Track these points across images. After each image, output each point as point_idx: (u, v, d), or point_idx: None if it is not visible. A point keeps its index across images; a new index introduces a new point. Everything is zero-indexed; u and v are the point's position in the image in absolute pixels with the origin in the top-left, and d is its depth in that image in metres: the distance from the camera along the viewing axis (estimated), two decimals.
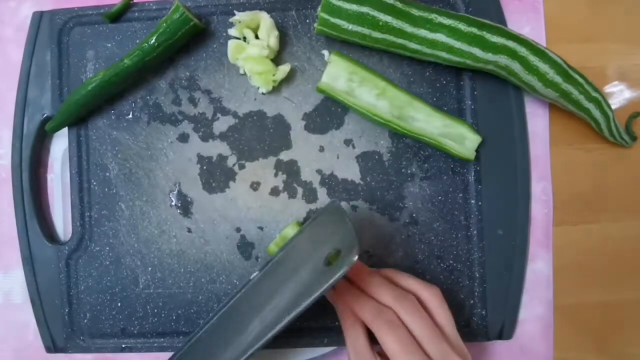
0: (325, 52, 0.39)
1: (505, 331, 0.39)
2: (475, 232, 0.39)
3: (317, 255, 0.30)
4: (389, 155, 0.39)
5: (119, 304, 0.40)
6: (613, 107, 0.37)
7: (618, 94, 0.40)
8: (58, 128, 0.40)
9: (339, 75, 0.37)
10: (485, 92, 0.39)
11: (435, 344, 0.30)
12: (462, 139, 0.37)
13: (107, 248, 0.40)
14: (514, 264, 0.38)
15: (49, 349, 0.40)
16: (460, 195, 0.39)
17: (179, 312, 0.39)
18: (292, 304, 0.29)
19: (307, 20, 0.40)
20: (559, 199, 0.39)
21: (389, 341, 0.30)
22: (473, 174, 0.39)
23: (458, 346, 0.31)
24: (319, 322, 0.39)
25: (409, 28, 0.34)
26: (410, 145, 0.39)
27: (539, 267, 0.39)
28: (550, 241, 0.39)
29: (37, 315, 0.40)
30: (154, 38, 0.36)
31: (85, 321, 0.40)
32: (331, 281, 0.27)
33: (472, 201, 0.39)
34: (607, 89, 0.40)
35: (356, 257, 0.28)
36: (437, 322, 0.31)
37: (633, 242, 0.39)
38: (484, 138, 0.38)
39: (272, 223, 0.39)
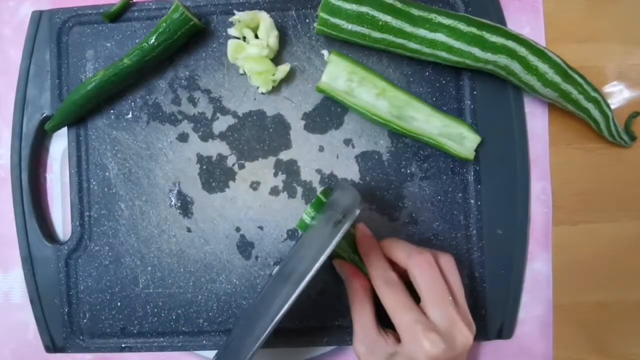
0: (325, 52, 0.38)
1: (504, 331, 0.38)
2: (474, 231, 0.38)
3: (329, 224, 0.30)
4: (388, 155, 0.39)
5: (119, 304, 0.39)
6: (612, 107, 0.37)
7: (617, 94, 0.39)
8: (57, 128, 0.39)
9: (338, 74, 0.36)
10: (484, 92, 0.38)
11: (440, 304, 0.30)
12: (461, 139, 0.37)
13: (107, 248, 0.39)
14: (513, 264, 0.38)
15: (48, 349, 0.39)
16: (460, 195, 0.39)
17: (179, 311, 0.39)
18: (309, 267, 0.29)
19: (307, 20, 0.39)
20: (558, 199, 0.39)
21: (386, 298, 0.30)
22: (472, 173, 0.38)
23: (465, 314, 0.31)
24: (318, 321, 0.38)
25: (408, 28, 0.34)
26: (410, 145, 0.38)
27: (538, 266, 0.38)
28: (549, 241, 0.38)
29: (36, 315, 0.39)
30: (154, 38, 0.36)
31: (84, 321, 0.39)
32: (339, 235, 0.28)
33: (472, 201, 0.38)
34: (606, 88, 0.39)
35: (358, 210, 0.28)
36: (448, 286, 0.31)
37: (632, 242, 0.39)
38: (483, 138, 0.38)
39: (271, 223, 0.39)
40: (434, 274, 0.31)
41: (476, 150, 0.38)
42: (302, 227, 0.34)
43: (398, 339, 0.31)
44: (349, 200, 0.31)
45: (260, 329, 0.30)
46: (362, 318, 0.32)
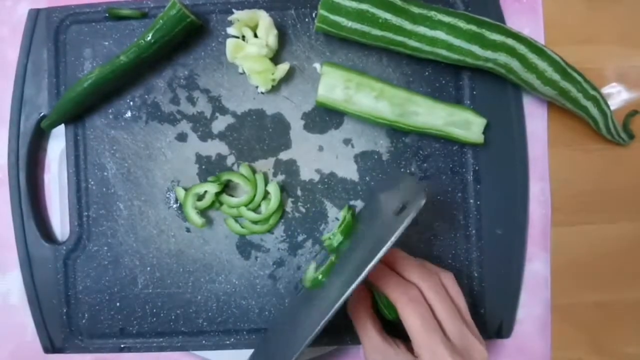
0: (317, 65, 0.36)
1: (503, 330, 0.37)
2: (474, 231, 0.37)
3: (387, 212, 0.29)
4: (388, 155, 0.37)
5: (118, 304, 0.37)
6: (611, 108, 0.36)
7: (616, 95, 0.38)
8: (54, 125, 0.37)
9: (334, 84, 0.35)
10: (484, 92, 0.37)
11: (455, 324, 0.29)
12: (468, 125, 0.36)
13: (106, 248, 0.38)
14: (512, 264, 0.37)
15: (47, 350, 0.38)
16: (459, 195, 0.37)
17: (178, 312, 0.37)
18: (368, 258, 0.28)
19: (306, 19, 0.37)
20: (557, 200, 0.38)
21: (411, 317, 0.29)
22: (472, 173, 0.37)
23: (473, 329, 0.31)
24: None
25: (408, 25, 0.33)
26: (410, 145, 0.37)
27: (537, 267, 0.37)
28: (548, 241, 0.37)
29: (34, 316, 0.38)
30: (151, 34, 0.34)
31: (83, 321, 0.38)
32: (403, 225, 0.27)
33: (471, 201, 0.37)
34: (606, 90, 0.38)
35: (424, 200, 0.27)
36: (455, 304, 0.31)
37: (630, 242, 0.38)
38: (484, 138, 0.36)
39: None
40: (444, 295, 0.30)
41: (477, 148, 0.36)
42: (331, 250, 0.34)
43: (409, 349, 0.30)
44: (407, 189, 0.29)
45: (313, 323, 0.29)
46: (367, 330, 0.31)
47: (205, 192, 0.36)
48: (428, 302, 0.30)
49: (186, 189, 0.37)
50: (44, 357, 0.38)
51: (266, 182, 0.37)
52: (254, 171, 0.37)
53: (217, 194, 0.37)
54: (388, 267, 0.32)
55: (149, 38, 0.35)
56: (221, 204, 0.37)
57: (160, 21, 0.34)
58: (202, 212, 0.37)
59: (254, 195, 0.36)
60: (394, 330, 0.31)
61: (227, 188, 0.38)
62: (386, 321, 0.32)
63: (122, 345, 0.38)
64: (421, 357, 0.29)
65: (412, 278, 0.31)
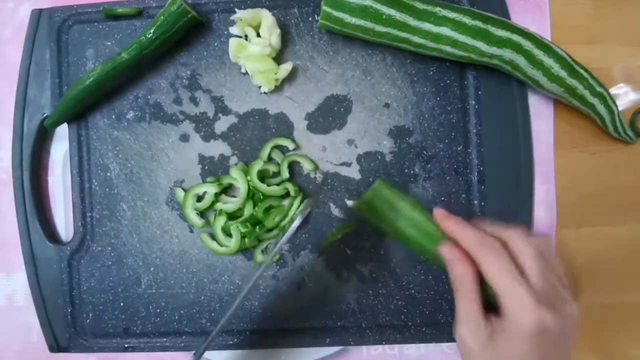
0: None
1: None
2: None
3: None
4: (391, 155, 0.36)
5: (122, 304, 0.36)
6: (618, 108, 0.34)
7: (623, 96, 0.37)
8: (57, 124, 0.37)
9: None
10: (489, 92, 0.36)
11: (543, 274, 0.26)
12: None
13: (109, 248, 0.37)
14: None
15: (52, 349, 0.38)
16: (464, 196, 0.36)
17: (182, 312, 0.36)
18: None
19: (310, 19, 0.36)
20: (562, 201, 0.37)
21: (489, 264, 0.26)
22: (476, 174, 0.35)
23: (566, 286, 0.27)
24: (321, 322, 0.36)
25: (412, 21, 0.32)
26: (413, 146, 0.36)
27: None
28: (553, 243, 0.36)
29: (40, 316, 0.38)
30: (152, 31, 0.34)
31: (87, 321, 0.37)
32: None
33: (475, 202, 0.36)
34: (613, 90, 0.37)
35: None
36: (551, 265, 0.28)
37: (636, 244, 0.37)
38: (487, 139, 0.36)
39: None
40: (535, 245, 0.27)
41: (482, 149, 0.35)
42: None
43: (496, 316, 0.27)
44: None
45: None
46: (468, 302, 0.28)
47: (205, 192, 0.35)
48: (516, 253, 0.27)
49: (187, 190, 0.36)
50: (50, 356, 0.38)
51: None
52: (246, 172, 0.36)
53: (217, 195, 0.35)
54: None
55: (150, 34, 0.34)
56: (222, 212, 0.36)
57: (162, 17, 0.34)
58: (202, 213, 0.36)
59: (246, 198, 0.35)
60: None
61: (227, 189, 0.36)
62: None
63: (125, 345, 0.37)
64: (506, 309, 0.26)
65: (496, 231, 0.28)
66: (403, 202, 0.30)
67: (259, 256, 0.36)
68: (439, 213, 0.30)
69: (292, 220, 0.32)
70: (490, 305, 0.27)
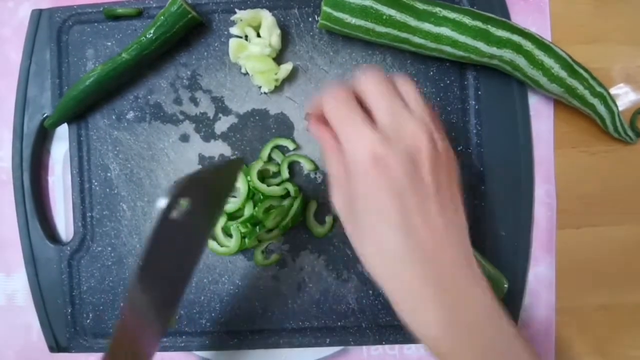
0: None
1: None
2: (477, 233, 0.35)
3: None
4: None
5: (122, 304, 0.36)
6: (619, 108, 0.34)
7: (623, 96, 0.36)
8: (57, 124, 0.37)
9: None
10: (489, 92, 0.36)
11: (389, 106, 0.24)
12: None
13: (109, 248, 0.36)
14: (516, 266, 0.36)
15: (52, 349, 0.37)
16: (464, 196, 0.35)
17: (182, 312, 0.37)
18: None
19: (310, 19, 0.36)
20: (562, 202, 0.37)
21: (327, 106, 0.25)
22: (476, 174, 0.35)
23: (421, 116, 0.25)
24: (321, 322, 0.36)
25: (412, 22, 0.32)
26: None
27: (542, 269, 0.36)
28: (553, 244, 0.36)
29: (40, 316, 0.38)
30: (152, 31, 0.33)
31: (87, 321, 0.37)
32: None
33: (475, 202, 0.35)
34: (613, 91, 0.37)
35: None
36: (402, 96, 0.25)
37: (636, 245, 0.37)
38: (487, 139, 0.35)
39: None
40: (382, 81, 0.25)
41: (482, 149, 0.35)
42: None
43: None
44: None
45: None
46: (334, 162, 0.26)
47: None
48: (364, 96, 0.25)
49: None
50: (50, 356, 0.38)
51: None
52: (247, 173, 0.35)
53: None
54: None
55: (150, 35, 0.34)
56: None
57: (162, 17, 0.34)
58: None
59: (246, 197, 0.35)
60: None
61: None
62: None
63: None
64: (342, 139, 0.24)
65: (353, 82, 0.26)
66: None
67: (259, 256, 0.36)
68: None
69: None
70: None
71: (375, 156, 0.23)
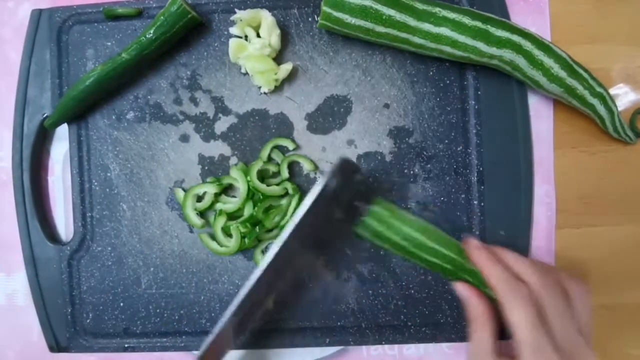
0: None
1: (506, 331, 0.35)
2: (477, 232, 0.36)
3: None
4: (391, 156, 0.35)
5: (122, 304, 0.36)
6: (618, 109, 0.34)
7: (623, 96, 0.36)
8: (57, 124, 0.37)
9: None
10: (489, 92, 0.36)
11: (564, 325, 0.27)
12: None
13: (109, 248, 0.36)
14: None
15: (52, 349, 0.37)
16: (463, 196, 0.35)
17: (182, 312, 0.36)
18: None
19: (310, 19, 0.35)
20: (562, 202, 0.37)
21: (516, 313, 0.27)
22: (476, 174, 0.35)
23: (587, 341, 0.28)
24: (321, 322, 0.35)
25: (412, 22, 0.32)
26: (413, 146, 0.35)
27: None
28: (552, 244, 0.36)
29: (40, 316, 0.38)
30: (152, 31, 0.33)
31: (87, 321, 0.37)
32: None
33: (475, 202, 0.35)
34: (612, 91, 0.37)
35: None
36: (575, 313, 0.28)
37: (635, 245, 0.37)
38: (487, 139, 0.35)
39: None
40: (559, 296, 0.28)
41: (482, 149, 0.35)
42: None
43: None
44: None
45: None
46: (482, 342, 0.29)
47: (205, 192, 0.35)
48: (540, 302, 0.27)
49: (187, 190, 0.35)
50: (50, 356, 0.38)
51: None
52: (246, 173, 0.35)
53: (217, 195, 0.35)
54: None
55: (150, 35, 0.34)
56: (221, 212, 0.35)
57: (162, 17, 0.34)
58: (202, 213, 0.36)
59: (246, 197, 0.35)
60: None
61: (227, 189, 0.36)
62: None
63: (126, 345, 0.37)
64: (522, 353, 0.26)
65: (526, 273, 0.28)
66: (405, 222, 0.31)
67: (258, 256, 0.36)
68: (470, 243, 0.31)
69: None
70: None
71: None
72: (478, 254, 0.30)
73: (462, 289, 0.31)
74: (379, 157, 0.36)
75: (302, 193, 0.36)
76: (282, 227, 0.35)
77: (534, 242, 0.36)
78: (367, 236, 0.31)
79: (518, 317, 0.27)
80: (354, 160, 0.36)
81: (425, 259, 0.31)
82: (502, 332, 0.29)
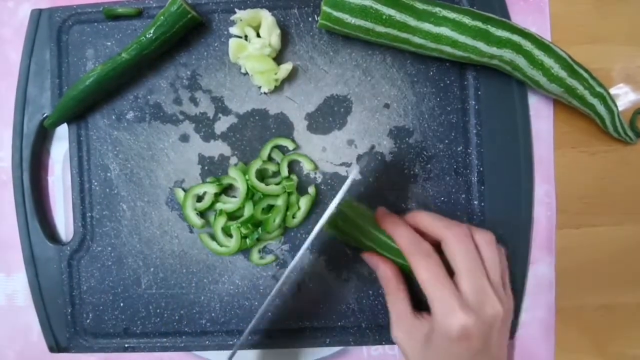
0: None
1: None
2: None
3: None
4: (391, 156, 0.35)
5: (122, 304, 0.36)
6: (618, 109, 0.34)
7: (623, 96, 0.36)
8: (56, 124, 0.37)
9: None
10: (489, 92, 0.36)
11: (471, 276, 0.28)
12: None
13: (109, 248, 0.36)
14: (516, 266, 0.36)
15: (52, 349, 0.37)
16: (463, 196, 0.35)
17: (182, 312, 0.36)
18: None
19: (310, 19, 0.35)
20: (562, 202, 0.37)
21: (420, 269, 0.28)
22: (476, 175, 0.35)
23: (497, 288, 0.29)
24: (321, 322, 0.35)
25: (412, 22, 0.32)
26: (413, 146, 0.35)
27: (542, 269, 0.36)
28: (552, 244, 0.36)
29: (40, 316, 0.38)
30: (152, 31, 0.33)
31: (87, 321, 0.37)
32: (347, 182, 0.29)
33: (475, 202, 0.35)
34: (612, 91, 0.37)
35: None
36: (482, 260, 0.29)
37: (636, 245, 0.37)
38: (487, 139, 0.35)
39: None
40: (469, 247, 0.29)
41: (481, 149, 0.35)
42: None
43: (429, 315, 0.30)
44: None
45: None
46: (398, 305, 0.31)
47: (205, 192, 0.34)
48: (449, 255, 0.29)
49: (187, 190, 0.35)
50: (50, 356, 0.38)
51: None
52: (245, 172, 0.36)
53: (217, 195, 0.35)
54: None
55: (150, 34, 0.33)
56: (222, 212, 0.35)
57: (162, 17, 0.33)
58: (202, 213, 0.35)
59: (245, 198, 0.35)
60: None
61: (227, 189, 0.36)
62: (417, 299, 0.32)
63: (126, 345, 0.37)
64: (433, 310, 0.28)
65: (435, 229, 0.30)
66: (366, 221, 0.32)
67: (254, 255, 0.36)
68: (379, 212, 0.32)
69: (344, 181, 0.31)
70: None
71: (463, 330, 0.27)
72: (384, 219, 0.31)
73: (368, 257, 0.33)
74: (379, 157, 0.36)
75: (300, 192, 0.35)
76: (280, 226, 0.34)
77: (534, 242, 0.36)
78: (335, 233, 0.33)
79: (424, 275, 0.28)
80: (354, 160, 0.36)
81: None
82: None
